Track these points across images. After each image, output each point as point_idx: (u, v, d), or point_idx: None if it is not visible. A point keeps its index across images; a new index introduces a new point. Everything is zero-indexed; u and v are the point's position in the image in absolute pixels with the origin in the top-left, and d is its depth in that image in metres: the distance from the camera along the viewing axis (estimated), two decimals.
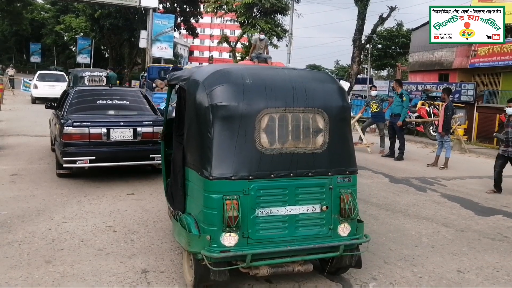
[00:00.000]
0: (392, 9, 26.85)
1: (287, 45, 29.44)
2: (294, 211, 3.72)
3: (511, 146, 7.98)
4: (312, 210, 3.78)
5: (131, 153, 7.21)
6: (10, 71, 32.50)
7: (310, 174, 3.78)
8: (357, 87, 30.87)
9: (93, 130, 6.97)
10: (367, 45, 31.68)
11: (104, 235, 5.11)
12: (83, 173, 7.65)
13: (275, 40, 29.13)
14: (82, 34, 48.96)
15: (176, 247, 4.83)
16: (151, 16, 28.05)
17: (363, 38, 26.88)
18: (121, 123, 7.22)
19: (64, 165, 7.03)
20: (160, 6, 36.72)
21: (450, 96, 11.15)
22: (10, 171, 7.89)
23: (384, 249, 5.14)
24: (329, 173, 3.84)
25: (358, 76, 27.59)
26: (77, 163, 6.91)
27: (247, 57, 12.22)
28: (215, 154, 3.53)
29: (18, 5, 27.14)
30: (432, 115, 16.34)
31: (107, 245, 4.83)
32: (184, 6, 42.63)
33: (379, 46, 46.21)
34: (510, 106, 8.11)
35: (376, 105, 12.66)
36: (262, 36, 13.19)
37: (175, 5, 41.71)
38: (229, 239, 3.50)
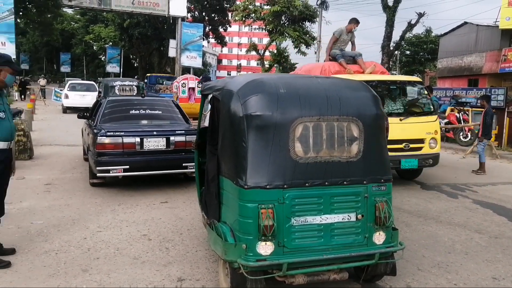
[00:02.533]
0: (420, 15, 26.49)
1: (315, 52, 29.36)
2: (330, 219, 3.71)
3: None
4: (348, 218, 3.76)
5: (164, 162, 7.25)
6: (42, 81, 33.40)
7: (345, 182, 3.76)
8: None
9: (127, 140, 7.04)
10: (396, 52, 31.30)
11: (139, 244, 5.12)
12: (116, 182, 7.73)
13: (303, 48, 29.05)
14: (111, 43, 49.97)
15: (211, 255, 4.82)
16: (179, 25, 28.42)
17: (392, 44, 26.60)
18: (154, 133, 7.27)
19: (98, 174, 7.11)
20: (189, 15, 37.26)
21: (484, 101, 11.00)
22: (44, 180, 8.03)
23: (417, 256, 5.08)
24: (364, 182, 3.81)
25: None
26: (111, 172, 6.97)
27: (327, 54, 10.05)
28: (250, 163, 3.55)
29: (49, 16, 27.80)
30: (461, 121, 15.98)
31: (143, 253, 4.84)
32: (213, 15, 43.16)
33: (408, 52, 45.66)
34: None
35: None
36: (355, 27, 9.96)
37: (204, 14, 42.29)
38: (265, 248, 3.51)
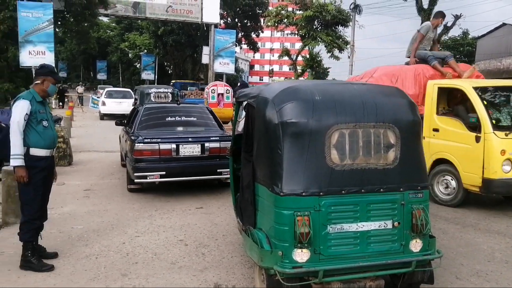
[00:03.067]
0: (457, 17, 25.95)
1: (349, 57, 29.15)
2: (366, 227, 3.68)
3: None
4: (384, 226, 3.74)
5: (199, 168, 7.34)
6: (80, 89, 34.35)
7: (381, 190, 3.73)
8: None
9: (163, 146, 7.17)
10: None
11: (176, 249, 5.20)
12: (153, 188, 7.86)
13: (336, 52, 28.86)
14: (146, 51, 50.88)
15: (246, 261, 4.84)
16: (213, 32, 28.74)
17: None
18: (190, 139, 7.38)
19: (136, 180, 7.26)
20: (222, 21, 37.62)
21: None
22: (83, 186, 8.26)
23: (455, 264, 4.98)
24: (401, 189, 3.77)
25: None
26: (148, 178, 7.11)
27: (409, 54, 9.04)
28: (285, 170, 3.56)
29: (86, 25, 28.57)
30: None
31: (179, 258, 4.91)
32: (245, 21, 43.45)
33: None
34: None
35: None
36: (441, 22, 9.01)
37: (236, 20, 42.61)
38: (301, 255, 3.51)
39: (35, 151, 4.59)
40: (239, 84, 13.16)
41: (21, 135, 4.49)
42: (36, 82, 4.75)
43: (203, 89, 25.02)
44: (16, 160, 4.46)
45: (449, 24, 26.60)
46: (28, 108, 4.53)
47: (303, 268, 3.50)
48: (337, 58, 29.33)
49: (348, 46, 29.14)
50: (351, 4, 29.79)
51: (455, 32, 46.41)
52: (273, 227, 3.61)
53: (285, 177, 3.55)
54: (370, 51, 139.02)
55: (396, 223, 3.74)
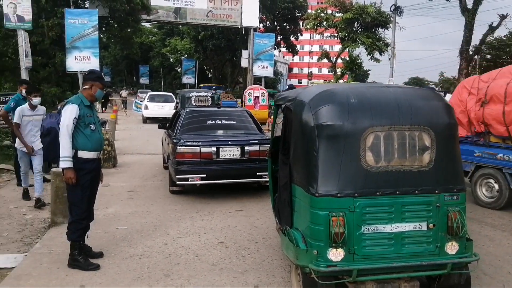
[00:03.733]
0: (503, 17, 25.07)
1: (389, 59, 28.67)
2: (400, 228, 3.71)
3: None
4: (419, 227, 3.75)
5: (239, 170, 7.40)
6: (124, 93, 35.28)
7: (416, 191, 3.75)
8: None
9: (204, 149, 7.28)
10: (475, 56, 29.75)
11: (217, 251, 5.26)
12: (194, 190, 7.97)
13: (376, 54, 28.44)
14: (186, 55, 51.68)
15: (286, 264, 4.84)
16: (252, 36, 28.89)
17: (471, 49, 25.34)
18: (230, 142, 7.46)
19: (177, 182, 7.40)
20: (261, 25, 37.76)
21: None
22: (127, 188, 8.47)
23: (502, 273, 4.82)
24: (436, 191, 3.78)
25: None
26: (189, 180, 7.23)
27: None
28: (320, 172, 3.65)
29: (129, 30, 29.33)
30: None
31: (220, 260, 4.97)
32: (284, 24, 43.44)
33: (488, 56, 43.21)
34: None
35: None
36: None
37: (275, 23, 42.66)
38: (336, 254, 3.59)
39: (83, 154, 4.75)
40: (287, 87, 13.38)
41: (70, 138, 4.65)
42: (84, 87, 4.92)
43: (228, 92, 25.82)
44: (65, 162, 4.63)
45: (494, 24, 25.74)
46: (77, 112, 4.69)
47: (337, 267, 3.56)
48: (377, 60, 28.90)
49: (388, 48, 28.66)
50: (392, 5, 29.32)
51: (501, 32, 44.81)
52: (309, 227, 3.70)
53: (320, 179, 3.64)
54: (411, 53, 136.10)
55: (431, 225, 3.75)
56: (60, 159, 4.66)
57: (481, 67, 41.50)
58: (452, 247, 3.78)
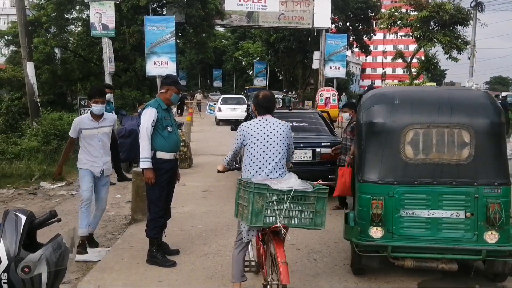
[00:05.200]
0: None
1: (469, 58, 27.24)
2: (438, 214, 4.21)
3: (343, 154, 6.81)
4: (456, 215, 4.21)
5: (311, 173, 7.33)
6: (198, 96, 36.30)
7: (454, 183, 4.20)
8: None
9: None
10: None
11: (288, 253, 5.22)
12: None
13: (454, 53, 27.09)
14: (258, 58, 52.32)
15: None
16: (323, 37, 28.67)
17: None
18: (301, 145, 7.46)
19: None
20: (333, 26, 37.37)
21: None
22: (202, 187, 8.74)
23: None
24: (475, 183, 4.18)
25: None
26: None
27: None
28: (365, 162, 4.38)
29: (204, 35, 30.24)
30: None
31: (292, 263, 4.98)
32: (357, 24, 42.67)
33: None
34: (345, 111, 6.45)
35: None
36: None
37: (348, 24, 42.01)
38: (376, 232, 4.24)
39: (161, 154, 4.98)
40: (366, 88, 13.54)
41: (149, 140, 4.90)
42: (161, 91, 5.16)
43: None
44: (145, 163, 4.88)
45: None
46: (155, 115, 4.93)
47: (375, 242, 4.23)
48: (455, 59, 27.47)
49: (468, 46, 27.22)
50: (472, 1, 27.81)
51: None
52: (357, 208, 4.44)
53: (365, 168, 4.36)
54: (494, 51, 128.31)
55: (468, 214, 4.18)
56: (140, 160, 4.92)
57: None
58: (491, 236, 4.13)
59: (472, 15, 26.94)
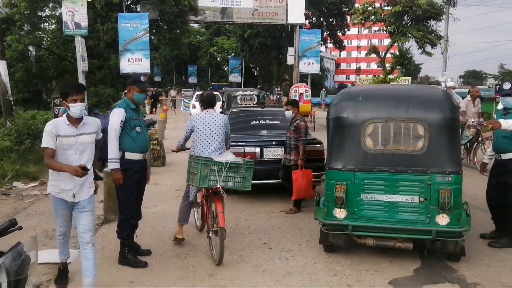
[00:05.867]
0: None
1: (442, 53, 27.66)
2: (394, 199, 4.74)
3: (287, 153, 6.86)
4: (411, 200, 4.72)
5: (284, 170, 7.39)
6: (173, 93, 36.06)
7: (409, 171, 4.71)
8: None
9: (248, 150, 7.34)
10: None
11: (260, 252, 5.31)
12: (237, 190, 7.98)
13: (428, 48, 27.49)
14: (233, 54, 52.24)
15: (329, 268, 4.83)
16: (297, 33, 28.72)
17: None
18: (274, 143, 7.48)
19: None
20: (307, 21, 37.50)
21: None
22: (175, 186, 8.67)
23: None
24: (428, 172, 4.66)
25: None
26: None
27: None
28: (331, 152, 5.01)
29: (178, 31, 30.05)
30: None
31: (263, 262, 5.02)
32: (331, 20, 42.94)
33: None
34: (288, 110, 6.88)
35: None
36: None
37: (321, 19, 42.24)
38: (339, 213, 4.84)
39: (129, 155, 4.93)
40: (337, 86, 13.73)
41: (117, 140, 4.85)
42: (125, 91, 5.12)
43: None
44: (112, 164, 4.83)
45: None
46: (123, 116, 4.88)
47: (338, 221, 4.83)
48: (429, 54, 27.92)
49: (441, 41, 27.66)
50: None
51: None
52: (325, 193, 5.04)
53: (331, 157, 4.98)
54: (468, 46, 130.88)
55: (422, 199, 4.68)
56: (109, 160, 4.87)
57: None
58: (442, 219, 4.62)
59: (444, 10, 27.34)
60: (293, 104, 7.24)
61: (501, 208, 5.60)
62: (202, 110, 5.66)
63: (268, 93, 26.73)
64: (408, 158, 4.70)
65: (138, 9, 27.49)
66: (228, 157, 5.12)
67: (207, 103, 5.71)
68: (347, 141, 4.84)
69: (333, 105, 5.16)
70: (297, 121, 6.88)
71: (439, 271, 4.78)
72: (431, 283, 4.53)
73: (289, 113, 7.07)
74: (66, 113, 4.14)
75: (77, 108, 4.04)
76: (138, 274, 4.72)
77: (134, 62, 23.47)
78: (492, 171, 5.87)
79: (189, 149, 5.74)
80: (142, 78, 5.22)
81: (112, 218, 6.32)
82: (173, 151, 6.17)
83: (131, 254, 4.98)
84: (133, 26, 23.45)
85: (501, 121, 5.27)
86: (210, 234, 5.16)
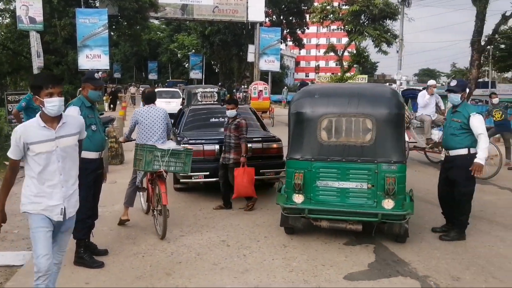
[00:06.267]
0: None
1: (397, 51, 28.41)
2: (346, 185, 5.28)
3: (226, 152, 6.97)
4: (360, 186, 5.26)
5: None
6: (132, 89, 35.42)
7: (359, 160, 5.25)
8: (477, 91, 28.81)
9: (207, 147, 7.34)
10: (488, 47, 29.32)
11: (218, 249, 5.33)
12: (197, 188, 8.03)
13: (384, 47, 28.18)
14: (194, 51, 51.85)
15: (287, 264, 4.91)
16: (258, 30, 28.87)
17: (483, 39, 24.96)
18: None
19: (181, 180, 7.48)
20: (267, 19, 37.69)
21: None
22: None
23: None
24: (375, 161, 5.19)
25: (479, 80, 25.60)
26: (193, 178, 7.27)
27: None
28: (291, 144, 5.50)
29: (138, 27, 29.64)
30: None
31: (222, 259, 5.04)
32: (290, 18, 43.32)
33: (502, 46, 42.50)
34: (231, 109, 7.03)
35: (499, 113, 11.60)
36: None
37: (281, 17, 42.54)
38: (298, 198, 5.35)
39: (85, 154, 4.81)
40: (299, 84, 13.87)
41: None
42: (80, 89, 5.03)
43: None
44: None
45: (508, 13, 25.28)
46: (78, 114, 4.78)
47: (296, 205, 5.35)
48: (385, 52, 28.63)
49: (396, 40, 28.40)
50: None
51: None
52: (286, 180, 5.55)
53: (291, 148, 5.49)
54: (422, 45, 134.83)
55: (369, 185, 5.21)
56: None
57: (494, 57, 41.00)
58: (388, 203, 5.13)
59: (400, 10, 28.07)
60: (235, 103, 7.26)
61: (450, 203, 5.87)
62: (143, 105, 6.50)
63: (234, 90, 26.79)
64: (358, 149, 5.25)
65: (97, 4, 26.91)
66: (169, 145, 6.02)
67: (148, 98, 6.55)
68: (305, 134, 5.38)
69: (293, 102, 5.70)
70: (238, 120, 6.91)
71: (392, 265, 4.94)
72: (384, 276, 4.67)
73: (232, 113, 7.05)
74: (40, 113, 3.43)
75: (54, 104, 3.34)
76: (94, 274, 4.65)
77: (93, 58, 23.08)
78: (441, 168, 6.13)
79: (134, 140, 6.41)
80: (96, 75, 5.14)
81: None
82: (120, 142, 7.22)
83: (87, 255, 4.90)
84: (92, 22, 23.00)
85: (478, 159, 5.49)
86: (155, 213, 5.94)
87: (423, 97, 11.01)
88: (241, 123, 6.83)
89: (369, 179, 5.20)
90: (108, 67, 25.18)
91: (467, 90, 5.89)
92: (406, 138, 9.74)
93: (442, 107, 11.57)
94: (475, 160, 5.49)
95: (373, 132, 5.21)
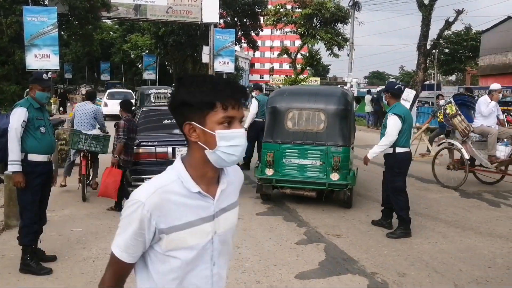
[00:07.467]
0: (459, 12, 25.76)
1: (348, 54, 29.13)
2: (304, 162, 7.04)
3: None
4: (314, 163, 7.01)
5: None
6: (83, 90, 34.50)
7: (314, 144, 7.00)
8: (424, 93, 29.92)
9: (160, 149, 7.27)
10: (433, 51, 30.56)
11: None
12: None
13: (336, 50, 28.84)
14: (147, 51, 50.97)
15: (239, 265, 4.95)
16: (212, 32, 28.77)
17: (429, 44, 25.98)
18: (186, 142, 7.44)
19: (133, 183, 7.36)
20: (221, 21, 37.66)
21: None
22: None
23: (453, 270, 4.97)
24: (326, 144, 6.94)
25: (425, 82, 26.63)
26: (145, 180, 7.14)
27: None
28: (266, 131, 7.44)
29: (89, 27, 28.84)
30: (506, 123, 15.22)
31: None
32: (244, 20, 43.49)
33: (446, 50, 44.44)
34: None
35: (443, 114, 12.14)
36: None
37: (236, 19, 42.64)
38: (269, 171, 7.16)
39: (33, 157, 4.70)
40: (252, 86, 14.10)
41: (19, 141, 4.59)
42: (28, 90, 4.88)
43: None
44: (13, 166, 4.58)
45: (451, 19, 26.46)
46: (26, 115, 4.63)
47: (267, 177, 7.15)
48: (336, 55, 29.33)
49: (347, 43, 29.13)
50: (350, 1, 29.77)
51: (457, 27, 45.88)
52: (262, 158, 7.38)
53: (266, 134, 7.41)
54: (372, 48, 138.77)
55: (321, 162, 6.95)
56: (9, 163, 4.61)
57: (439, 60, 42.78)
58: (334, 176, 6.85)
59: (350, 14, 28.81)
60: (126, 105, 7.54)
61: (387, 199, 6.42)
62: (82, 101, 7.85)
63: None
64: (314, 135, 7.04)
65: (46, 2, 25.99)
66: (93, 131, 8.10)
67: (87, 97, 8.87)
68: (275, 123, 7.26)
69: (270, 98, 7.90)
70: (120, 121, 6.98)
71: (342, 263, 5.09)
72: (334, 274, 4.81)
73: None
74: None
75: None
76: (41, 282, 4.51)
77: (42, 58, 22.25)
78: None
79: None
80: (45, 76, 5.00)
81: (15, 223, 5.98)
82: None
83: (34, 261, 4.74)
84: (40, 20, 22.19)
85: (368, 154, 6.34)
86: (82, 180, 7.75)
87: (486, 105, 8.93)
88: (119, 124, 6.92)
89: (321, 158, 6.94)
90: (58, 68, 24.34)
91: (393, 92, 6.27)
92: (465, 155, 8.93)
93: (501, 117, 9.69)
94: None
95: (325, 122, 7.01)
